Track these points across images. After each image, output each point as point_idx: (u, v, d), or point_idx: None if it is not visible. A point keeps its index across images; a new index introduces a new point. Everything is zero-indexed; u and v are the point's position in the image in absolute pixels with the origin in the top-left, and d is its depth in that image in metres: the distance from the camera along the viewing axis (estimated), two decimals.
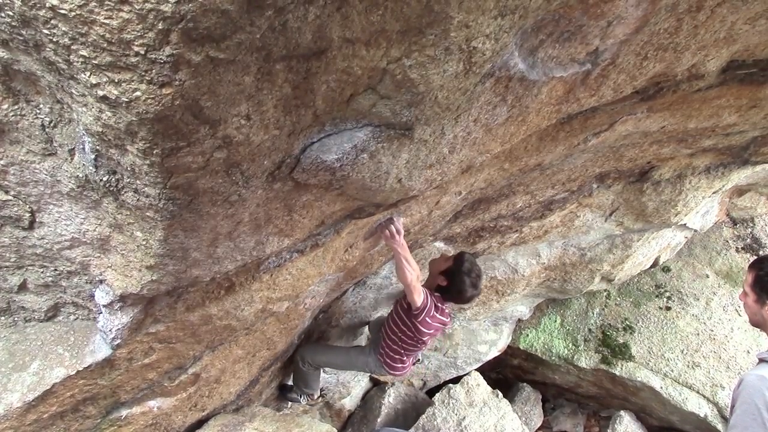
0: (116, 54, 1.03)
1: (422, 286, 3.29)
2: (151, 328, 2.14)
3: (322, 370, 4.32)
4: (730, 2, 1.97)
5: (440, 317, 3.38)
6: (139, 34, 0.99)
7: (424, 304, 3.20)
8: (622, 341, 6.19)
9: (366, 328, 4.63)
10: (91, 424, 2.34)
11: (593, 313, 6.57)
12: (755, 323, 2.31)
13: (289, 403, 4.46)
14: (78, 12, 0.98)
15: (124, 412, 2.44)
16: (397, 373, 3.75)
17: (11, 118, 1.43)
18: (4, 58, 1.25)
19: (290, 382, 4.36)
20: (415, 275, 3.06)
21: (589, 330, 6.47)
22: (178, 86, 1.09)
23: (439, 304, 3.37)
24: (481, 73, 1.64)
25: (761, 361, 2.15)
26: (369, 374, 5.66)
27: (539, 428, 6.72)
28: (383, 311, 4.61)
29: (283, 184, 1.75)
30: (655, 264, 6.27)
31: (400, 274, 3.09)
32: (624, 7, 1.73)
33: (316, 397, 4.36)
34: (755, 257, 5.52)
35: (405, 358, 3.64)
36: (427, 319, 3.27)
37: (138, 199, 1.44)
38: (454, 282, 3.29)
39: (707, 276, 6.54)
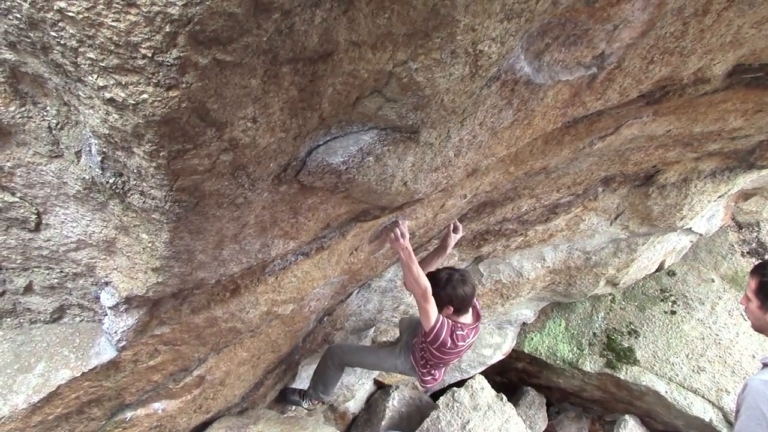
0: (123, 56, 1.03)
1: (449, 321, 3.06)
2: (156, 330, 2.14)
3: None
4: (737, 6, 1.96)
5: (459, 343, 3.11)
6: (146, 36, 0.99)
7: (437, 332, 2.99)
8: (627, 345, 6.17)
9: (371, 331, 4.62)
10: (96, 426, 2.34)
11: (598, 317, 6.55)
12: (758, 329, 2.29)
13: (293, 406, 4.45)
14: (85, 15, 0.98)
15: (128, 414, 2.44)
16: (428, 385, 3.63)
17: (18, 120, 1.43)
18: (11, 60, 1.26)
19: (292, 386, 4.35)
20: (421, 289, 2.85)
21: (594, 334, 6.45)
22: (185, 89, 1.09)
23: (461, 342, 3.10)
24: (487, 77, 1.64)
25: (765, 365, 2.14)
26: (374, 377, 5.65)
27: None
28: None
29: (288, 187, 1.75)
30: (660, 268, 6.25)
31: (406, 283, 2.95)
32: (630, 10, 1.73)
33: (317, 403, 4.34)
34: (760, 261, 5.50)
35: (434, 371, 3.50)
36: (441, 349, 3.08)
37: (144, 202, 1.45)
38: (449, 297, 3.03)
39: (712, 280, 6.51)
